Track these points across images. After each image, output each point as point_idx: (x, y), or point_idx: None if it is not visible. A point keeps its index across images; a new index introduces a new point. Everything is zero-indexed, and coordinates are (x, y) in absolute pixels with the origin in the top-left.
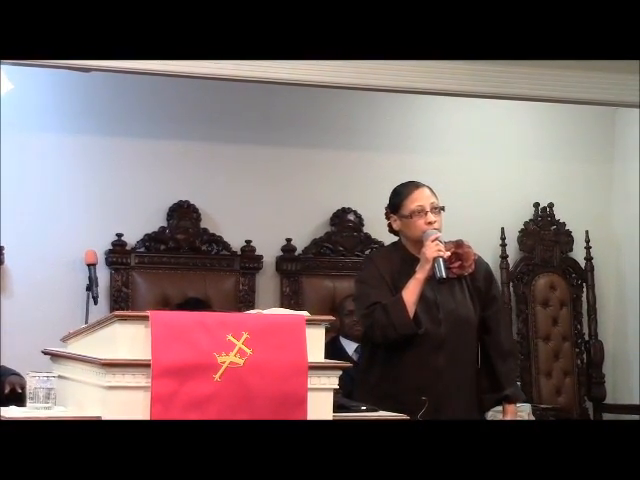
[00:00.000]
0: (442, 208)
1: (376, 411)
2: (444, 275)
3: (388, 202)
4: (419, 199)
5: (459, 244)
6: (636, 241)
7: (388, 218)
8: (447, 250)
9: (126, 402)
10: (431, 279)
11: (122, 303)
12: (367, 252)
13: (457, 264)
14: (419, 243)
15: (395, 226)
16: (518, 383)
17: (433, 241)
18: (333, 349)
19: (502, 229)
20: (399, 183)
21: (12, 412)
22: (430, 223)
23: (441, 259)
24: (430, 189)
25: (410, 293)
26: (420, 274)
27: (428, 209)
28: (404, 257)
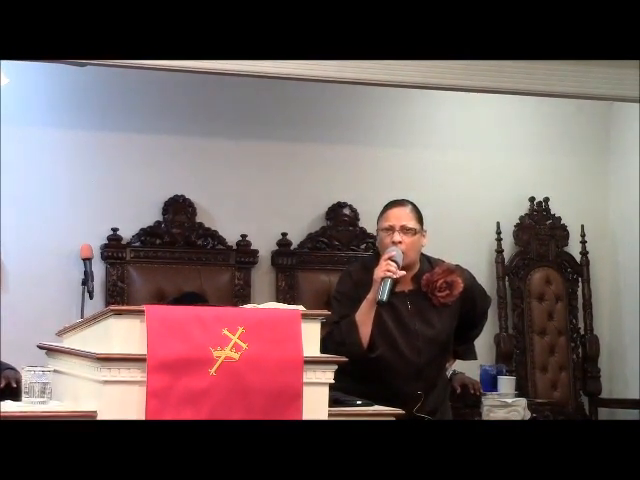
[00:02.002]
0: (415, 231)
1: (371, 405)
2: (384, 299)
3: None
4: (390, 219)
5: (451, 271)
6: (631, 235)
7: None
8: (438, 279)
9: (121, 396)
10: (408, 309)
11: (117, 297)
12: (362, 246)
13: (445, 293)
14: None
15: (378, 238)
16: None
17: (386, 260)
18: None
19: (497, 223)
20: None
21: (7, 406)
22: (395, 243)
23: (389, 280)
24: (411, 209)
25: (360, 314)
26: (371, 295)
27: (397, 229)
28: None
